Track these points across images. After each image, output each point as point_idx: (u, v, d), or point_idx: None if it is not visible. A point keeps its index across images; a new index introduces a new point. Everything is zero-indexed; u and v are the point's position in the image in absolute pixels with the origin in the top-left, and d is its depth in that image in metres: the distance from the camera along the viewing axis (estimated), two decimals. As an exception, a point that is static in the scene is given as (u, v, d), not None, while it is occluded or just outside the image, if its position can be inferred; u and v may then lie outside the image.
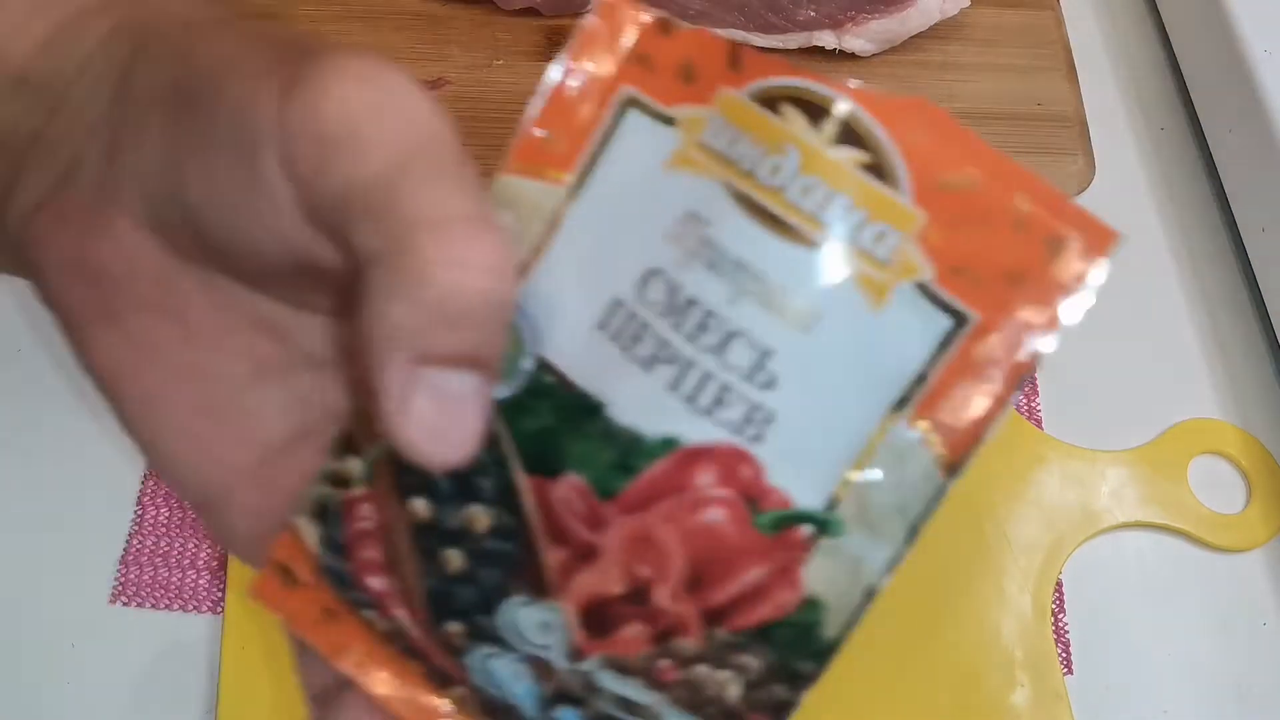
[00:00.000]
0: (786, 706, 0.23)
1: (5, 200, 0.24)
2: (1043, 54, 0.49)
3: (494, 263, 0.20)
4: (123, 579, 0.39)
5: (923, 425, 0.22)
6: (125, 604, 0.39)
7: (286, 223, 0.22)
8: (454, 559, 0.23)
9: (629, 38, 0.24)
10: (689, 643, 0.23)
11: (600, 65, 0.24)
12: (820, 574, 0.22)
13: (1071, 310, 0.21)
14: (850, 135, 0.22)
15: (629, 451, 0.22)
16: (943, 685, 0.38)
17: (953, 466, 0.22)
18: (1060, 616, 0.39)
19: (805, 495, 0.22)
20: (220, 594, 0.39)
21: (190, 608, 0.39)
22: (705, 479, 0.22)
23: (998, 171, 0.21)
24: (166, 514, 0.40)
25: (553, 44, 0.49)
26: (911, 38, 0.48)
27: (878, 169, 0.22)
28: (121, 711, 0.37)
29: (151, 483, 0.41)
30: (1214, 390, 0.44)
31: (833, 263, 0.22)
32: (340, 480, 0.24)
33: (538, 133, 0.24)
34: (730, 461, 0.22)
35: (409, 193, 0.20)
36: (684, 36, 0.23)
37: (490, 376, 0.22)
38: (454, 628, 0.24)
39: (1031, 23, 0.50)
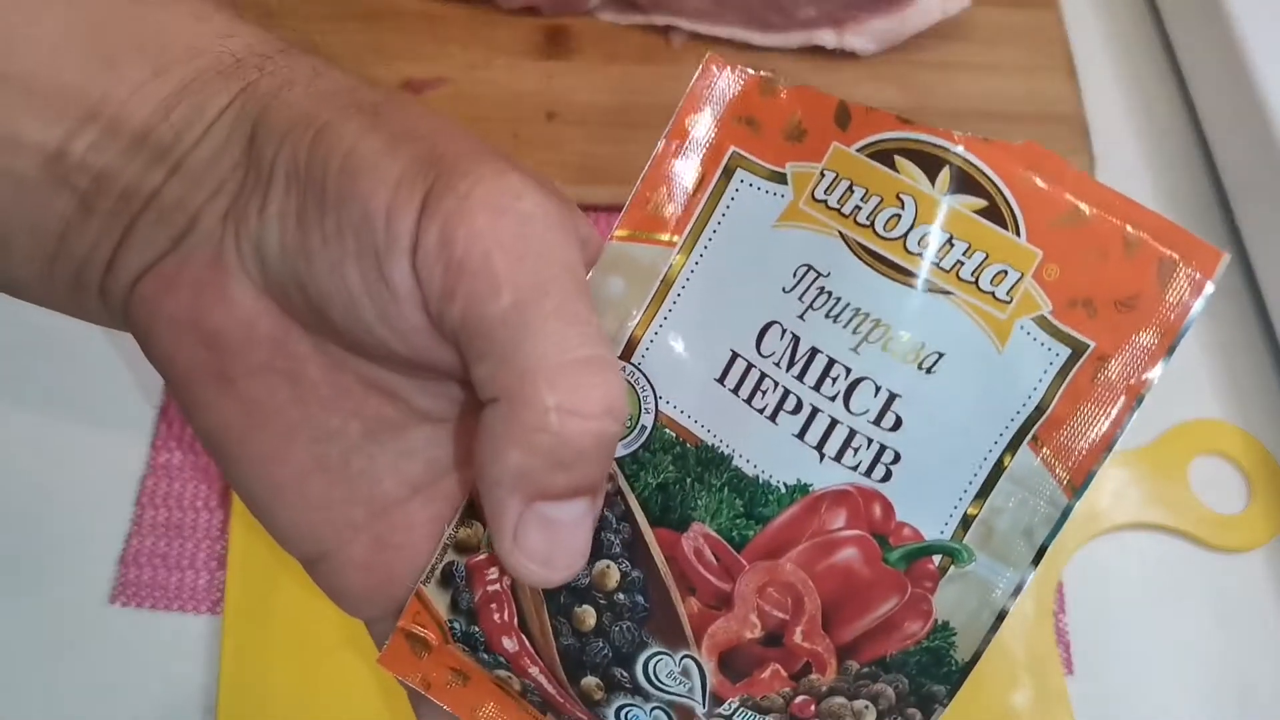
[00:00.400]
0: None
1: (113, 258, 0.24)
2: (1043, 54, 0.49)
3: (607, 405, 0.21)
4: (123, 579, 0.39)
5: (1046, 451, 0.22)
6: (125, 604, 0.39)
7: (409, 326, 0.22)
8: (587, 616, 0.24)
9: (733, 100, 0.25)
10: (824, 678, 0.23)
11: (706, 129, 0.25)
12: (950, 600, 0.23)
13: (1182, 330, 0.22)
14: (965, 183, 0.23)
15: (758, 501, 0.23)
16: (943, 685, 0.38)
17: (1076, 487, 0.22)
18: (1061, 617, 0.39)
19: (933, 527, 0.23)
20: (220, 594, 0.39)
21: (190, 608, 0.39)
22: (836, 522, 0.23)
23: (1106, 203, 0.22)
24: (166, 515, 0.40)
25: (552, 43, 0.49)
26: (912, 37, 0.47)
27: (993, 213, 0.22)
28: (121, 711, 0.37)
29: (151, 483, 0.41)
30: (1214, 390, 0.44)
31: (955, 305, 0.23)
32: (465, 547, 0.25)
33: (647, 198, 0.25)
34: (860, 503, 0.23)
35: (531, 335, 0.20)
36: (789, 96, 0.24)
37: (598, 498, 0.22)
38: (590, 682, 0.24)
39: (1032, 22, 0.50)
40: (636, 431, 0.24)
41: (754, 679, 0.24)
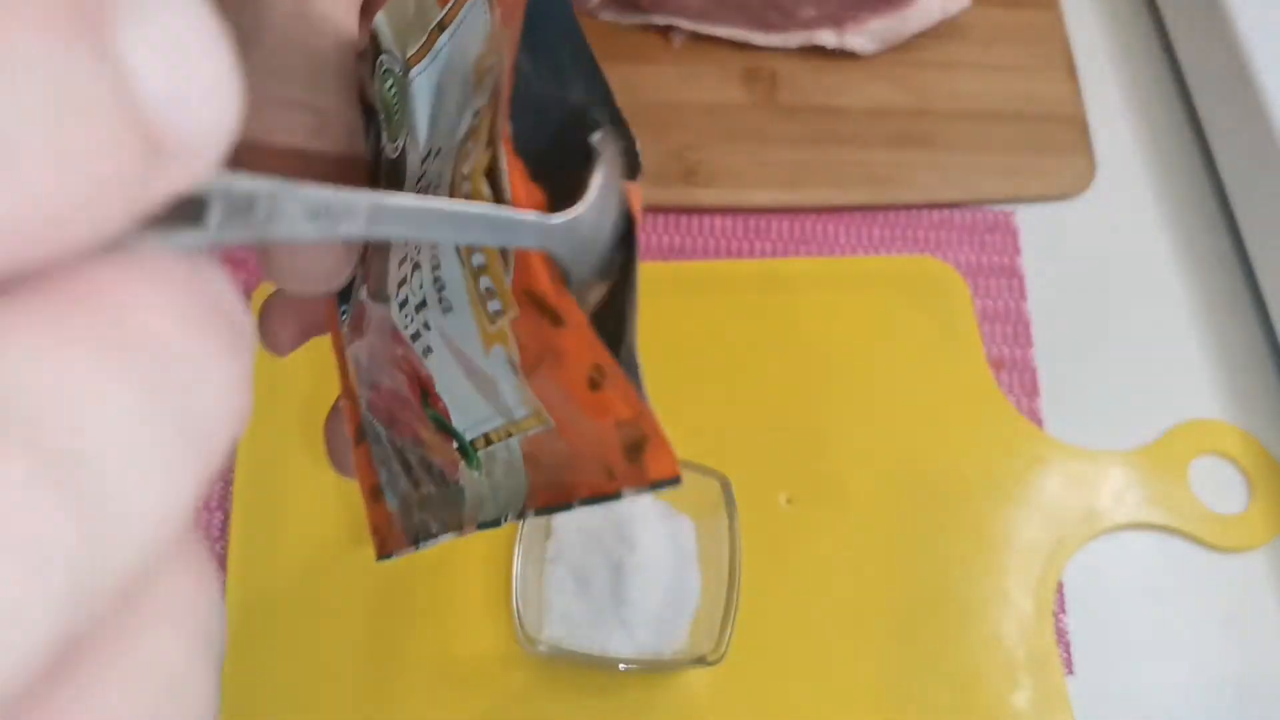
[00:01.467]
0: (426, 536, 0.23)
1: None
2: (1043, 54, 0.49)
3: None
4: (122, 579, 0.39)
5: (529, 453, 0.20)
6: (124, 604, 0.39)
7: None
8: None
9: None
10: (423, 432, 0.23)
11: None
12: (466, 479, 0.22)
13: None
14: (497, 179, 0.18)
15: (384, 287, 0.22)
16: (943, 685, 0.37)
17: (540, 508, 0.20)
18: (1061, 617, 0.39)
19: (460, 422, 0.22)
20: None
21: (190, 608, 0.39)
22: (399, 349, 0.22)
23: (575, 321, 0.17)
24: (166, 514, 0.40)
25: (552, 43, 0.49)
26: (912, 37, 0.47)
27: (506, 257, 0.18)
28: (121, 712, 0.37)
29: (151, 483, 0.41)
30: (1214, 390, 0.44)
31: (462, 283, 0.19)
32: None
33: None
34: (411, 354, 0.22)
35: None
36: None
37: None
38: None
39: (1032, 22, 0.50)
40: (397, 145, 0.23)
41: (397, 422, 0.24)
